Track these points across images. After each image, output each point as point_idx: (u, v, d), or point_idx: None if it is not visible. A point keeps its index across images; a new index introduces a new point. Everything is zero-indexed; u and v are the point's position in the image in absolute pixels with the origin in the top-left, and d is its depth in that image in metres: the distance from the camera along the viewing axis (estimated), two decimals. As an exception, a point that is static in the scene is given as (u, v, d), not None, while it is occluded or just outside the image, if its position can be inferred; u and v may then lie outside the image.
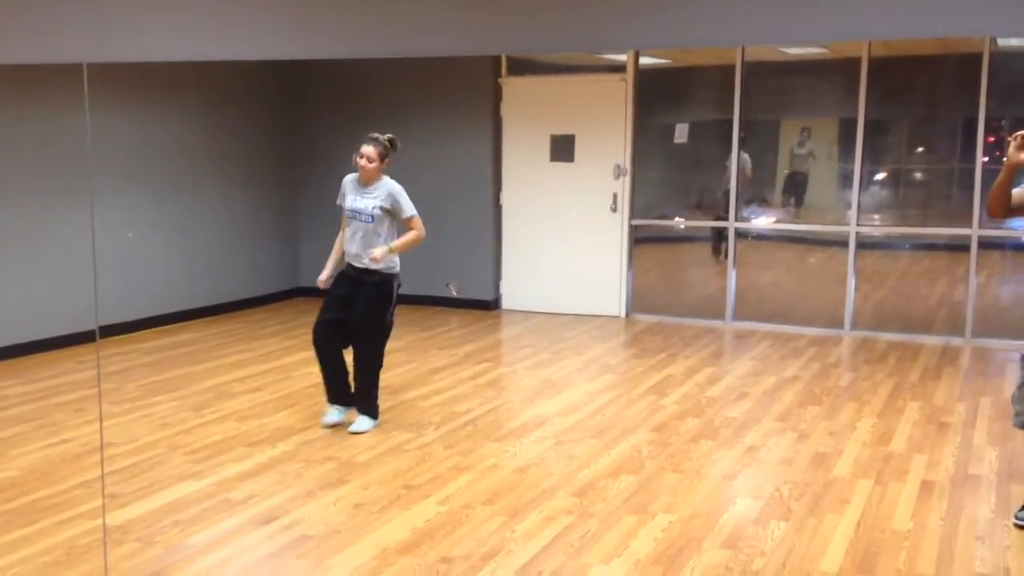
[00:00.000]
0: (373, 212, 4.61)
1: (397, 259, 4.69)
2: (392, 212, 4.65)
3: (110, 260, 6.72)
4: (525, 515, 3.65)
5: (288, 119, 8.32)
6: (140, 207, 6.99)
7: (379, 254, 4.54)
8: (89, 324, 6.38)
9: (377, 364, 4.78)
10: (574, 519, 3.62)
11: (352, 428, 4.65)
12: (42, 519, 3.58)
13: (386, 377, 5.68)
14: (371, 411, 4.73)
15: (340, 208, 4.78)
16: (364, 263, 4.61)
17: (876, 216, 7.24)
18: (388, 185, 4.66)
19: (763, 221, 7.56)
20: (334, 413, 4.74)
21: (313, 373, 5.81)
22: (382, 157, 4.62)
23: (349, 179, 4.75)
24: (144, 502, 3.76)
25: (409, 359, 6.19)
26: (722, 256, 7.58)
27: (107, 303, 6.71)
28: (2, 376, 5.66)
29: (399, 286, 4.73)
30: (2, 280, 6.07)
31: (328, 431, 4.65)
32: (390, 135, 4.70)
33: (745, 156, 7.42)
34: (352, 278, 4.68)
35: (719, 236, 7.59)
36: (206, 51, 2.20)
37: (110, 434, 4.62)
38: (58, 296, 6.30)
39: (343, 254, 4.76)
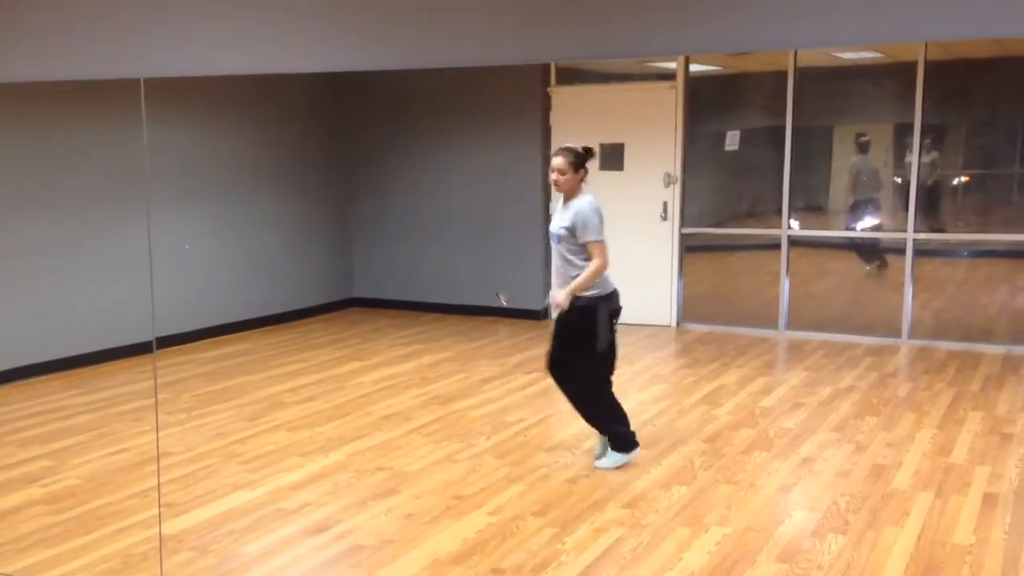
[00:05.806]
0: (559, 232, 4.13)
1: (599, 283, 4.12)
2: (573, 232, 4.09)
3: (167, 272, 6.84)
4: (576, 526, 3.63)
5: (340, 130, 8.40)
6: (196, 219, 7.11)
7: (562, 300, 4.09)
8: (147, 335, 6.50)
9: (590, 395, 4.29)
10: (625, 531, 3.59)
11: (597, 464, 4.29)
12: (100, 527, 3.65)
13: (435, 388, 5.70)
14: (612, 443, 4.27)
15: None
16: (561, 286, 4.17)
17: (933, 223, 7.09)
18: (580, 202, 4.13)
19: (815, 228, 7.46)
20: (595, 441, 4.41)
21: (364, 383, 5.85)
22: (575, 167, 4.13)
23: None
24: (199, 511, 3.81)
25: (458, 369, 6.20)
26: (876, 265, 7.43)
27: (164, 314, 6.83)
28: (65, 386, 5.79)
29: (615, 311, 4.19)
30: (65, 292, 6.21)
31: (380, 441, 4.68)
32: (586, 145, 4.22)
33: (861, 161, 7.40)
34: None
35: (870, 250, 7.46)
36: (259, 65, 2.23)
37: (166, 443, 4.70)
38: (117, 308, 6.43)
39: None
